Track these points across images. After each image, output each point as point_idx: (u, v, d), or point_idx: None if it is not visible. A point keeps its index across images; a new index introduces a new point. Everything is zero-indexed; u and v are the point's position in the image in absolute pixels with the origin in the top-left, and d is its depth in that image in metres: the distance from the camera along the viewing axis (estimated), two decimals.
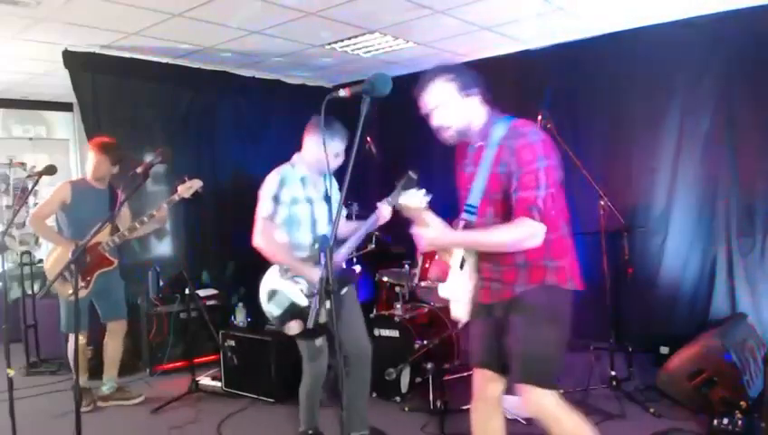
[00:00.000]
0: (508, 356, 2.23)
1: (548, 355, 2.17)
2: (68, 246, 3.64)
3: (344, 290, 2.98)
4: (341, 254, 2.96)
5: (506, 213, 2.15)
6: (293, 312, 2.85)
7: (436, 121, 2.26)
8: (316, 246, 2.95)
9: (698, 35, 4.27)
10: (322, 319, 2.53)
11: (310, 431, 3.23)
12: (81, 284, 3.70)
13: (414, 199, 2.29)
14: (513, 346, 2.20)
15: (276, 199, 2.88)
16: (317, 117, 2.86)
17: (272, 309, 2.91)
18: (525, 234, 2.08)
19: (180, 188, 3.73)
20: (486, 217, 2.23)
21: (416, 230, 2.27)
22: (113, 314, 4.03)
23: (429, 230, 2.25)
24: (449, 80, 2.20)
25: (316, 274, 2.79)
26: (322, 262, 1.82)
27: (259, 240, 2.89)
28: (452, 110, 2.21)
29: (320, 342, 2.96)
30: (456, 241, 2.28)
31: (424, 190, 2.33)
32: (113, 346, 4.07)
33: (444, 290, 2.37)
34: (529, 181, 2.07)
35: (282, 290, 2.90)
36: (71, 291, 3.65)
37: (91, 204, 3.78)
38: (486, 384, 2.37)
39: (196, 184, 3.76)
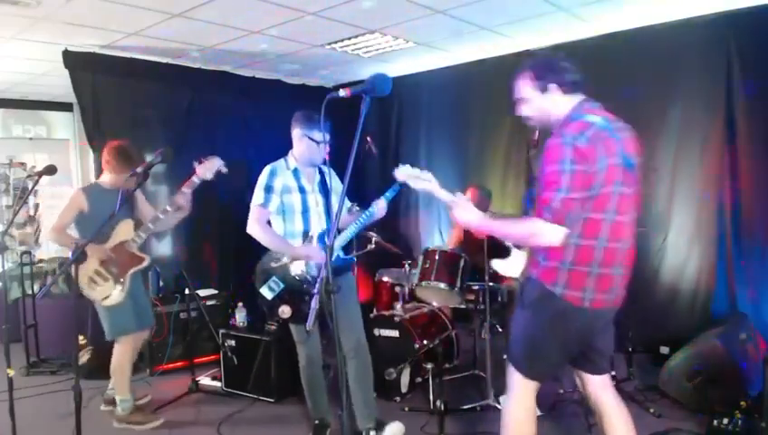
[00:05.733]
0: None
1: (516, 335, 2.35)
2: (93, 249, 3.47)
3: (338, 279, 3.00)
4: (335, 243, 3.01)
5: None
6: (285, 297, 2.97)
7: (519, 113, 2.37)
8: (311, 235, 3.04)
9: (698, 35, 4.27)
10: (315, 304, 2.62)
11: (316, 421, 3.29)
12: (117, 286, 3.55)
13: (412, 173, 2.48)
14: None
15: (268, 189, 3.02)
16: (300, 113, 3.07)
17: (265, 293, 3.01)
18: (530, 231, 2.11)
19: (199, 170, 3.37)
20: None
21: (454, 212, 2.38)
22: (144, 322, 3.81)
23: (462, 211, 2.35)
24: (528, 77, 2.28)
25: (307, 250, 2.95)
26: (322, 260, 1.82)
27: (252, 227, 3.01)
28: (530, 104, 2.30)
29: (310, 326, 3.01)
30: (480, 222, 2.36)
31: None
32: (132, 357, 3.81)
33: (499, 264, 2.47)
34: (549, 182, 2.07)
35: (274, 275, 3.01)
36: (104, 295, 3.53)
37: (110, 206, 3.61)
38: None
39: (216, 163, 3.36)
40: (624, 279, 2.28)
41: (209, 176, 3.38)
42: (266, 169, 3.07)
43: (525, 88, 2.30)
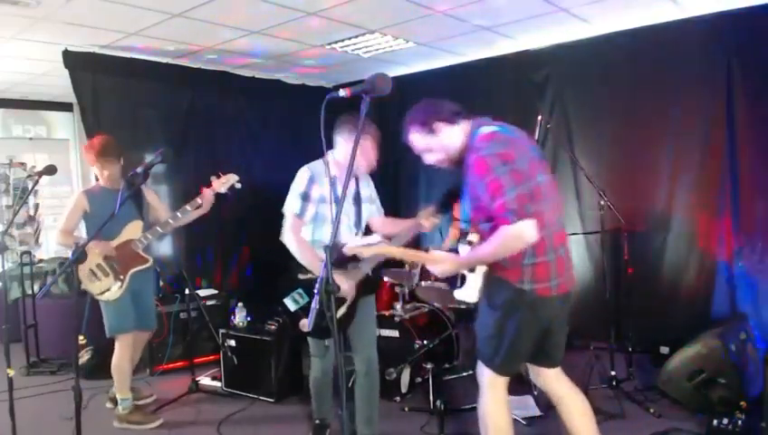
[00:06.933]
0: None
1: (486, 336, 2.42)
2: (100, 245, 3.51)
3: (365, 296, 2.95)
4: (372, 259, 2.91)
5: (487, 218, 2.27)
6: (308, 309, 2.83)
7: (427, 162, 2.50)
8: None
9: (698, 35, 4.27)
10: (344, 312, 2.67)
11: (317, 421, 3.28)
12: (117, 282, 3.59)
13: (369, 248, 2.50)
14: None
15: (305, 197, 2.87)
16: (350, 115, 2.81)
17: (288, 304, 2.92)
18: (507, 239, 2.16)
19: (215, 184, 3.61)
20: (477, 223, 2.36)
21: (429, 267, 2.47)
22: (145, 323, 3.85)
23: (437, 265, 2.39)
24: (415, 130, 2.44)
25: (343, 275, 2.80)
26: (324, 262, 1.81)
27: (287, 236, 2.88)
28: (431, 149, 2.45)
29: (328, 341, 2.99)
30: (460, 265, 2.40)
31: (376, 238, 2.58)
32: (131, 357, 3.80)
33: (461, 294, 2.48)
34: (493, 191, 2.16)
35: (300, 287, 2.91)
36: (102, 289, 3.57)
37: (112, 206, 3.62)
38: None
39: (231, 178, 3.63)
40: (569, 259, 2.41)
41: (223, 190, 3.61)
42: (304, 174, 2.89)
43: (418, 139, 2.45)
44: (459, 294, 2.52)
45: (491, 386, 2.43)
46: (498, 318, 2.35)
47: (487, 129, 2.33)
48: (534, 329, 2.35)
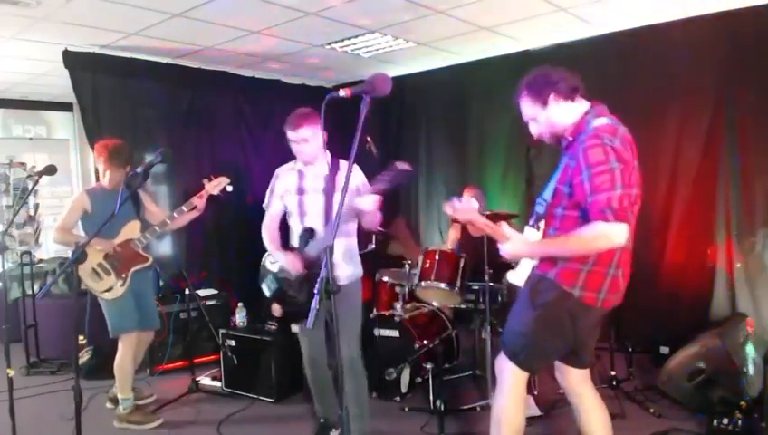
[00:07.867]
0: None
1: (518, 331, 2.35)
2: (102, 242, 3.53)
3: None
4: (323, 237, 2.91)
5: (572, 206, 2.18)
6: (278, 296, 3.05)
7: (531, 132, 2.40)
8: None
9: (698, 35, 4.27)
10: (301, 299, 2.82)
11: (321, 420, 3.30)
12: (118, 280, 3.62)
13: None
14: None
15: (270, 191, 3.14)
16: (307, 108, 2.94)
17: (264, 290, 3.12)
18: (598, 236, 2.05)
19: (207, 186, 3.71)
20: (555, 208, 2.27)
21: (500, 246, 2.35)
22: (148, 323, 3.87)
23: (509, 244, 2.32)
24: (526, 96, 2.31)
25: (285, 258, 2.94)
26: (324, 260, 1.81)
27: (262, 229, 3.13)
28: (537, 121, 2.33)
29: (294, 329, 3.13)
30: (534, 252, 2.32)
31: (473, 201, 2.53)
32: (133, 357, 3.80)
33: (513, 277, 2.45)
34: (600, 183, 2.04)
35: (269, 274, 3.10)
36: (105, 288, 3.59)
37: (113, 206, 3.62)
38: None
39: (223, 181, 3.76)
40: (624, 282, 2.33)
41: (215, 192, 3.74)
42: (275, 172, 3.15)
43: (527, 107, 2.33)
44: (511, 276, 2.47)
45: (513, 383, 2.37)
46: (536, 317, 2.28)
47: (608, 120, 2.21)
48: (569, 334, 2.29)
